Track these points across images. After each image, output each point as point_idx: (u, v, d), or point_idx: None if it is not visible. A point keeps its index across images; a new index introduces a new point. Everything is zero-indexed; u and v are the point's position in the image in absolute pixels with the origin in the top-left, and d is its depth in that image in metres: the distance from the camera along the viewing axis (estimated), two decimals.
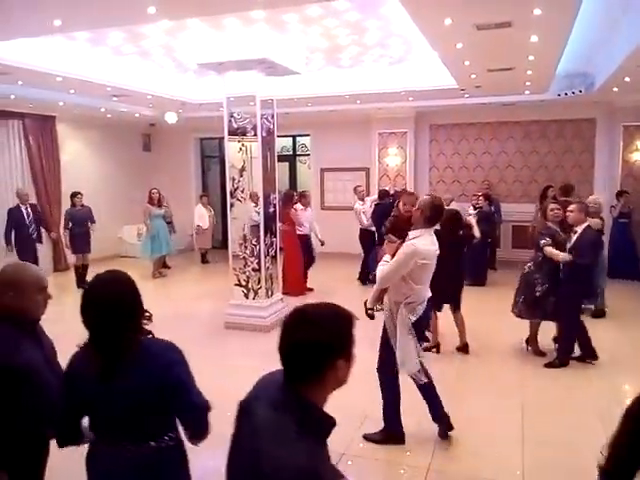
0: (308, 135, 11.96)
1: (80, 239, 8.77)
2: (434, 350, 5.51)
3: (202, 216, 10.94)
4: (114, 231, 11.32)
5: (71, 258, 9.40)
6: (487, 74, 6.90)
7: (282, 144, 12.25)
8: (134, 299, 1.90)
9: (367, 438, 3.81)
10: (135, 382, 1.80)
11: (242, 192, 6.51)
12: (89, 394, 1.85)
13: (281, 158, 12.09)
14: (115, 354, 1.81)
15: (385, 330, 3.71)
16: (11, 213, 8.13)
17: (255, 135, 6.36)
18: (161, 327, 5.43)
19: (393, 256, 3.51)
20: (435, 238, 3.59)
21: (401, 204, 5.94)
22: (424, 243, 3.44)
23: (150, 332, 1.95)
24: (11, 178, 9.36)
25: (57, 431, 1.95)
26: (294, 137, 12.29)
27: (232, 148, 6.50)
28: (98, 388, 1.81)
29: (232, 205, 6.60)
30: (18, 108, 9.12)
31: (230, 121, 6.45)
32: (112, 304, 1.82)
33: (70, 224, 8.74)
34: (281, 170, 11.75)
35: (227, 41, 6.08)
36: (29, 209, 8.23)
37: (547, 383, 4.87)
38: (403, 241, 3.56)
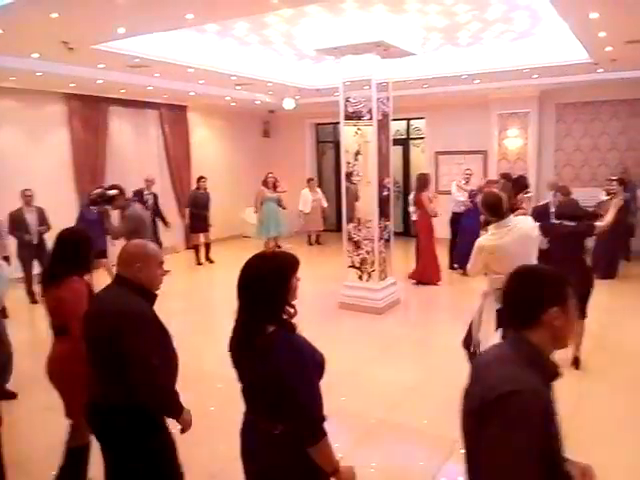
0: (422, 118, 11.73)
1: (200, 220, 9.47)
2: (573, 366, 4.69)
3: (305, 201, 11.25)
4: (237, 212, 12.04)
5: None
6: (625, 46, 6.27)
7: (395, 128, 12.11)
8: (275, 285, 1.83)
9: None
10: (257, 370, 1.83)
11: (357, 176, 6.61)
12: (234, 360, 1.94)
13: (394, 142, 11.97)
14: (245, 332, 1.86)
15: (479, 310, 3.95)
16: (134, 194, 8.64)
17: (370, 119, 6.40)
18: None
19: None
20: (508, 230, 3.67)
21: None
22: (490, 238, 3.70)
23: (294, 327, 1.87)
24: (150, 163, 10.33)
25: None
26: (408, 120, 12.12)
27: (347, 132, 6.61)
28: (237, 357, 1.92)
29: (347, 189, 6.73)
30: (155, 98, 10.02)
31: (346, 105, 6.55)
32: (252, 281, 1.84)
33: (192, 205, 9.46)
34: (394, 154, 11.68)
35: (344, 26, 6.17)
36: (149, 196, 8.74)
37: None
38: None
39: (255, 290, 1.83)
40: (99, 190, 6.12)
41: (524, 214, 4.80)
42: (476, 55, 7.97)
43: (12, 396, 4.36)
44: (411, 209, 8.34)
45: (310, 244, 11.71)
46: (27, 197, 7.18)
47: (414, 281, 7.94)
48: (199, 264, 9.60)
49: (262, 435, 1.87)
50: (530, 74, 8.35)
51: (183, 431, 2.30)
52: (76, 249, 2.90)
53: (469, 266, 3.88)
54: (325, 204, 11.70)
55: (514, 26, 6.75)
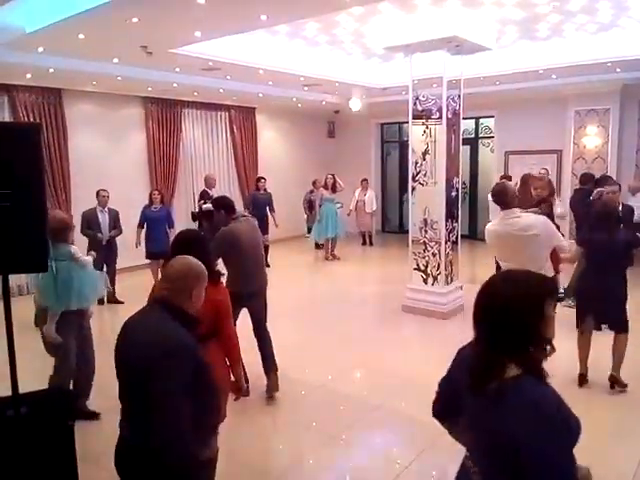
0: (492, 117, 11.35)
1: (258, 222, 9.28)
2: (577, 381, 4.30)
3: (353, 200, 11.16)
4: (300, 213, 12.13)
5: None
6: None
7: (464, 127, 11.80)
8: (527, 312, 1.40)
9: None
10: (485, 424, 1.42)
11: (424, 176, 6.48)
12: (460, 397, 1.54)
13: (463, 141, 11.66)
14: (480, 370, 1.43)
15: None
16: (201, 194, 8.70)
17: (440, 118, 6.26)
18: (340, 306, 5.59)
19: None
20: (512, 220, 3.86)
21: (532, 189, 6.54)
22: (492, 224, 4.07)
23: (544, 375, 1.40)
24: (218, 164, 10.62)
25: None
26: (477, 119, 11.78)
27: (416, 132, 6.49)
28: (466, 397, 1.50)
29: (413, 189, 6.62)
30: (225, 101, 10.28)
31: (415, 104, 6.44)
32: (496, 305, 1.44)
33: (251, 207, 9.25)
34: (463, 153, 11.37)
35: (415, 22, 6.06)
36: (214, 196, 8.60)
37: None
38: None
39: (499, 316, 1.42)
40: (199, 203, 5.42)
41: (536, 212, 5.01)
42: (554, 49, 7.60)
43: (93, 416, 3.88)
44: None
45: (364, 244, 11.65)
46: (103, 198, 7.10)
47: None
48: None
49: None
50: (613, 68, 7.87)
51: None
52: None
53: None
54: (374, 206, 11.40)
55: (598, 17, 6.38)
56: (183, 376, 1.84)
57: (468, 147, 11.85)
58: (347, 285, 8.20)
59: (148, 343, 1.88)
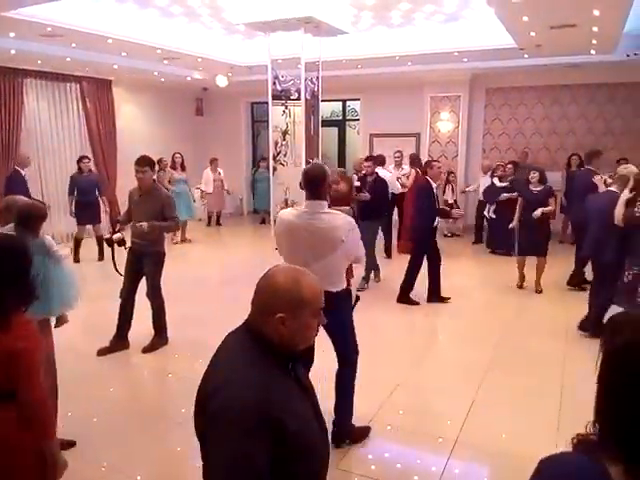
0: (358, 99, 11.70)
1: (85, 209, 7.96)
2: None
3: (208, 181, 10.77)
4: None
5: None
6: (548, 32, 6.42)
7: (332, 109, 12.06)
8: None
9: None
10: None
11: (284, 156, 6.50)
12: None
13: (331, 123, 11.97)
14: None
15: None
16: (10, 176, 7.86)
17: (298, 98, 6.28)
18: (197, 292, 5.34)
19: None
20: (319, 215, 3.09)
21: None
22: (288, 211, 3.30)
23: None
24: (69, 141, 9.72)
25: None
26: (344, 101, 12.05)
27: (276, 111, 6.46)
28: None
29: (275, 169, 6.61)
30: (75, 71, 9.36)
31: (274, 83, 6.39)
32: None
33: (75, 192, 7.99)
34: (330, 135, 11.64)
35: (273, 0, 5.96)
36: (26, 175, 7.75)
37: None
38: None
39: None
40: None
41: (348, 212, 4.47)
42: (408, 36, 7.96)
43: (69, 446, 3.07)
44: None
45: (209, 225, 11.42)
46: None
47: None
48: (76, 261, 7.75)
49: None
50: (460, 57, 8.44)
51: None
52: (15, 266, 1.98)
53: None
54: (226, 185, 11.07)
55: (444, 8, 6.77)
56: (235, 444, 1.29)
57: (336, 129, 12.13)
58: (204, 270, 7.80)
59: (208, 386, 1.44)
